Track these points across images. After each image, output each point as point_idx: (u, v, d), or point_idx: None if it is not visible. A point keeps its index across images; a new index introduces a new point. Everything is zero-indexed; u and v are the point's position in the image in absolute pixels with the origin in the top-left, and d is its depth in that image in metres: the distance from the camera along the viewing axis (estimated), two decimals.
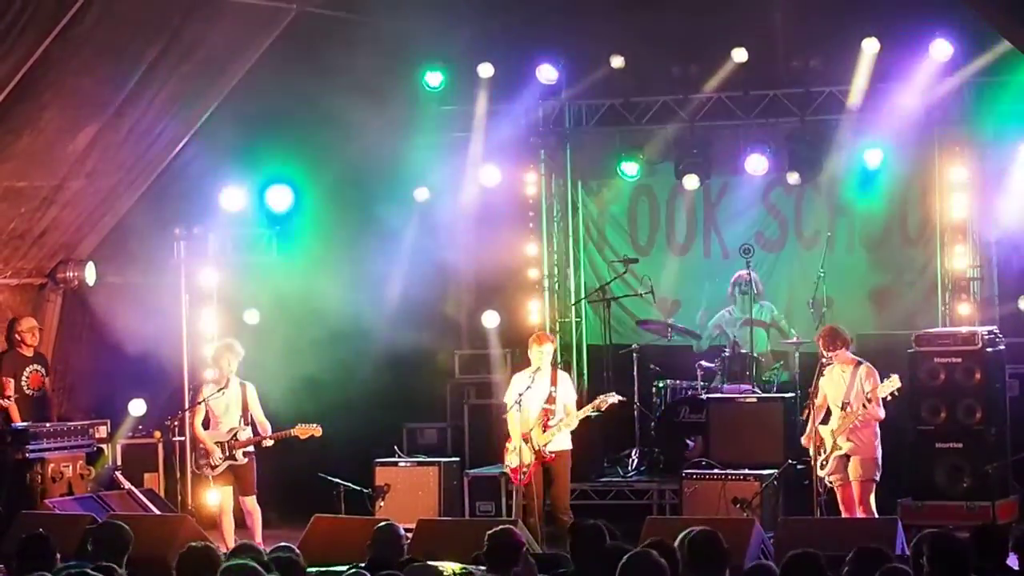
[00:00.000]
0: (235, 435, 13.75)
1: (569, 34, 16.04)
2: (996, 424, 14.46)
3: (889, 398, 12.90)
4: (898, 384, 12.86)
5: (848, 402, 12.90)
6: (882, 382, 12.86)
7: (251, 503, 13.85)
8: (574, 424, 13.49)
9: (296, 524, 13.00)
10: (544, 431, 13.34)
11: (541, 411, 13.40)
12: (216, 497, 13.99)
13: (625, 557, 6.88)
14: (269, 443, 13.81)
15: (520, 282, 17.21)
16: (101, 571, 7.55)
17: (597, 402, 13.64)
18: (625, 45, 15.93)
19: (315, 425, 13.79)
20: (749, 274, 15.55)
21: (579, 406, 13.71)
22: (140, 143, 15.23)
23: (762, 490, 13.71)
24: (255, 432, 13.85)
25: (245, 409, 13.82)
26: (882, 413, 12.88)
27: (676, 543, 7.56)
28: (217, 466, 13.75)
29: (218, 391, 13.79)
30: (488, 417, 15.95)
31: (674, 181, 16.35)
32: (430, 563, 8.50)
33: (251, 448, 13.86)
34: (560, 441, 13.47)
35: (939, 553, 7.41)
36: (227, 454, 13.73)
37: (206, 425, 13.91)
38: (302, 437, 13.82)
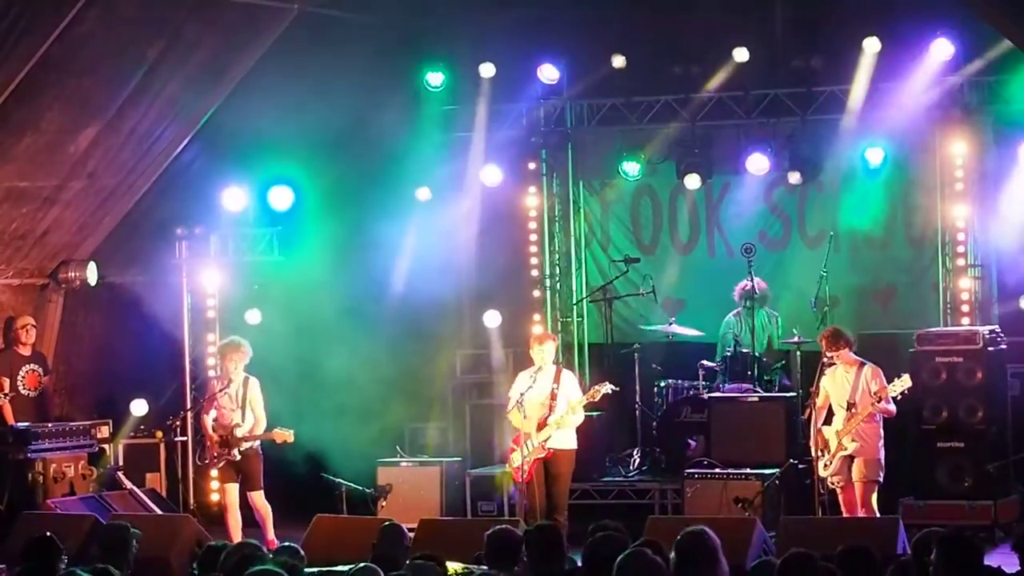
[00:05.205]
0: (232, 431, 13.74)
1: (570, 34, 16.04)
2: (997, 423, 14.48)
3: (899, 397, 12.91)
4: (909, 383, 12.88)
5: (853, 403, 12.89)
6: (891, 382, 12.86)
7: (258, 499, 13.78)
8: (577, 419, 13.44)
9: (298, 524, 12.99)
10: (540, 428, 13.33)
11: (541, 408, 13.38)
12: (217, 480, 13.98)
13: (620, 557, 6.84)
14: (248, 444, 13.72)
15: (522, 282, 17.20)
16: (96, 573, 7.49)
17: (591, 392, 13.58)
18: (626, 45, 15.93)
19: (289, 430, 13.69)
20: (752, 283, 15.48)
21: None
22: (141, 143, 15.24)
23: (764, 490, 13.70)
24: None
25: (244, 404, 13.78)
26: (893, 408, 12.92)
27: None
28: (217, 459, 13.70)
29: (220, 389, 13.78)
30: (490, 417, 15.95)
31: (676, 180, 16.33)
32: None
33: (256, 444, 13.80)
34: (563, 439, 13.40)
35: (953, 554, 7.24)
36: (225, 450, 13.70)
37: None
38: (277, 442, 13.74)
